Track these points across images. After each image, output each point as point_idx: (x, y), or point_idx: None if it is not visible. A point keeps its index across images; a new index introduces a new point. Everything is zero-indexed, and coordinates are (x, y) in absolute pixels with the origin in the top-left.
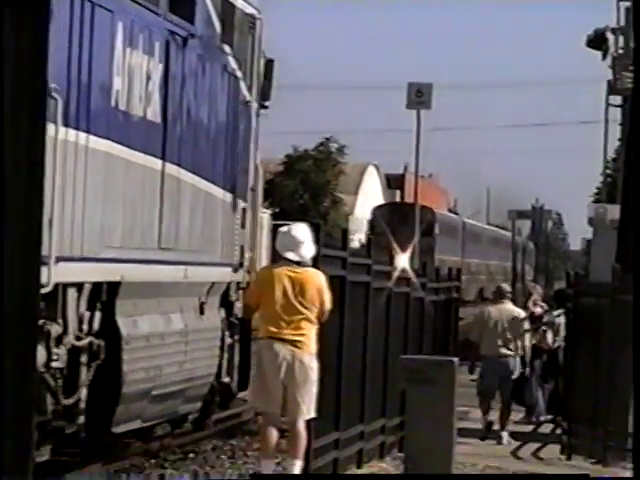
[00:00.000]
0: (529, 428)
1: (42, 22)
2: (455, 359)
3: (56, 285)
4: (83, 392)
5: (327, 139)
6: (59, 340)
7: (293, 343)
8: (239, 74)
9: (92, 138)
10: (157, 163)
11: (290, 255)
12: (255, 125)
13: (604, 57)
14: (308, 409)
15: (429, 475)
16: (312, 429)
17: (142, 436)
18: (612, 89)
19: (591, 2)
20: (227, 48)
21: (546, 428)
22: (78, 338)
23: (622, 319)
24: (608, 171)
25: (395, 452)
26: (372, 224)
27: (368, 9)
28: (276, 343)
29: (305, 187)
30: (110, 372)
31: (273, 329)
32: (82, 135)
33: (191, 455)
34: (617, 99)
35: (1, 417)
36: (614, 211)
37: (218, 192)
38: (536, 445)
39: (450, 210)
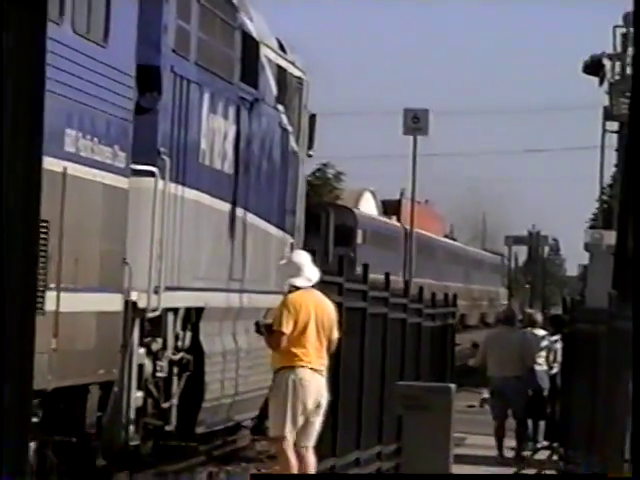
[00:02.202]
0: (526, 454)
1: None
2: (452, 385)
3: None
4: (176, 398)
5: (324, 165)
6: (161, 355)
7: (320, 372)
8: (289, 128)
9: (186, 190)
10: (229, 207)
11: (299, 282)
12: (301, 172)
13: (601, 83)
14: (317, 436)
15: (428, 475)
16: None
17: (135, 462)
18: (608, 115)
19: (588, 28)
20: (281, 107)
21: (543, 454)
22: (174, 353)
23: (619, 346)
24: (604, 197)
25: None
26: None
27: (363, 35)
28: (309, 372)
29: None
30: (195, 382)
31: (305, 357)
32: (179, 187)
33: None
34: (614, 125)
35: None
36: (610, 237)
37: (272, 230)
38: (533, 471)
39: (446, 236)
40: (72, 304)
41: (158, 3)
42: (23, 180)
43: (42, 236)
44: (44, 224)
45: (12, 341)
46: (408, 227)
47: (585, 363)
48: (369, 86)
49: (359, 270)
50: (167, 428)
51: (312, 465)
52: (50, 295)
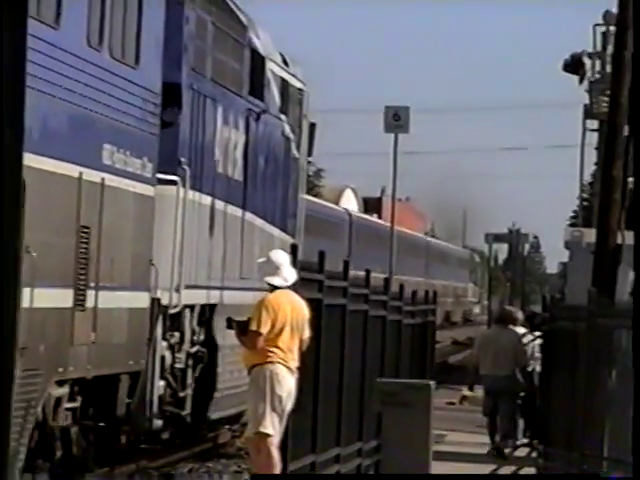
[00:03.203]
0: (506, 451)
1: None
2: (431, 382)
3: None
4: (191, 388)
5: None
6: (179, 348)
7: (292, 371)
8: (291, 136)
9: (203, 196)
10: (239, 212)
11: (276, 281)
12: (302, 177)
13: (581, 82)
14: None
15: (428, 475)
16: (288, 451)
17: (120, 457)
18: (588, 113)
19: (568, 27)
20: (283, 116)
21: (522, 451)
22: (190, 346)
23: (599, 343)
24: (584, 195)
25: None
26: None
27: (346, 34)
28: (283, 368)
29: None
30: (208, 373)
31: (284, 357)
32: (197, 194)
33: (169, 477)
34: (594, 123)
35: None
36: (590, 235)
37: (275, 231)
38: (513, 468)
39: (427, 233)
40: (108, 301)
41: (179, 26)
42: (3, 175)
43: (83, 240)
44: (85, 230)
45: None
46: (352, 212)
47: (564, 360)
48: (350, 83)
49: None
50: (183, 414)
51: (276, 458)
52: (90, 293)
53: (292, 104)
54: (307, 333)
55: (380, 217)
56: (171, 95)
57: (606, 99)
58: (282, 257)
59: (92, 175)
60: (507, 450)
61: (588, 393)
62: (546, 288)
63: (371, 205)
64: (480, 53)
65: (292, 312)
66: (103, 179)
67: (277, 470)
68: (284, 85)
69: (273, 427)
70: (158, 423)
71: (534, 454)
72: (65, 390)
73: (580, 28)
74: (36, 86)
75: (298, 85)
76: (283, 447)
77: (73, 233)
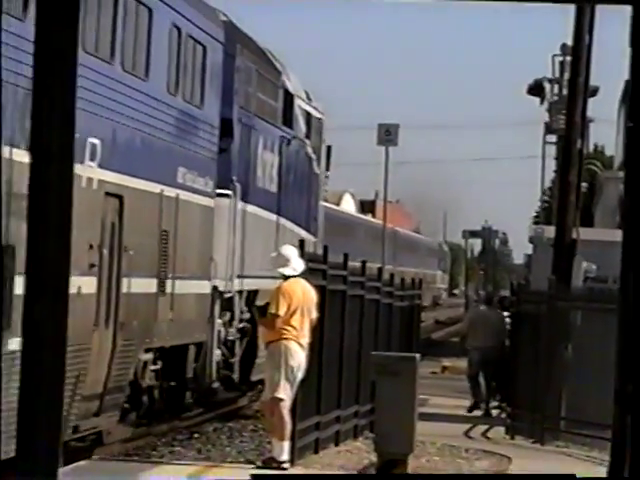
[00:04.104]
0: (479, 413)
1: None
2: (417, 355)
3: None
4: (239, 356)
5: None
6: (230, 324)
7: (303, 346)
8: (313, 156)
9: (249, 206)
10: (274, 217)
11: (287, 271)
12: (321, 188)
13: (542, 102)
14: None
15: (427, 475)
16: (297, 413)
17: (155, 418)
18: (548, 129)
19: (530, 56)
20: (307, 141)
21: (492, 412)
22: (239, 323)
23: (557, 322)
24: (545, 197)
25: (367, 433)
26: None
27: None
28: (298, 346)
29: None
30: (251, 344)
31: (297, 334)
32: (245, 205)
33: (196, 435)
34: (552, 138)
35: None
36: (550, 231)
37: (302, 232)
38: (485, 427)
39: (415, 231)
40: (181, 288)
41: (232, 73)
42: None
43: (163, 241)
44: (165, 233)
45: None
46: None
47: (529, 337)
48: (347, 102)
49: None
50: (233, 376)
51: (287, 419)
52: (168, 282)
53: (314, 131)
54: (314, 314)
55: (374, 216)
56: (225, 128)
57: (563, 117)
58: (291, 251)
59: (170, 191)
60: (481, 411)
61: (548, 363)
62: (513, 276)
63: (367, 207)
64: (457, 78)
65: (303, 296)
66: (178, 194)
67: (288, 429)
68: (308, 116)
69: (285, 393)
70: (216, 383)
71: (503, 415)
72: (150, 356)
73: (540, 57)
74: (131, 125)
75: (318, 115)
76: (293, 410)
77: (157, 236)
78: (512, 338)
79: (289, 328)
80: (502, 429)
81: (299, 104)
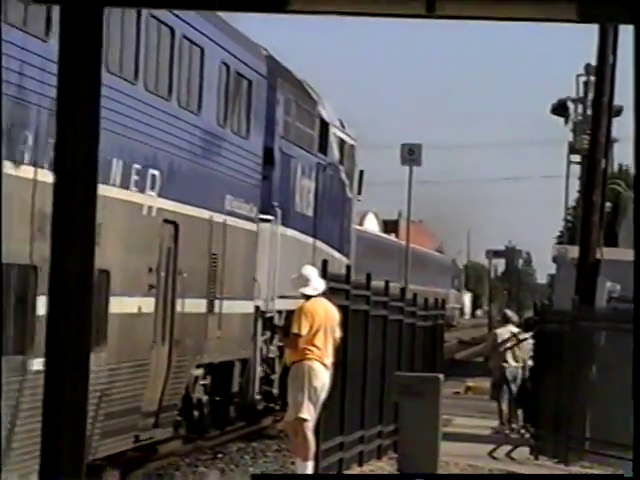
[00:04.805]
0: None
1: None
2: (440, 375)
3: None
4: (278, 372)
5: None
6: (271, 342)
7: (326, 366)
8: (346, 181)
9: (288, 230)
10: (311, 240)
11: (308, 291)
12: (354, 212)
13: (566, 122)
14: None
15: (428, 475)
16: (320, 433)
17: (179, 439)
18: (572, 149)
19: (554, 77)
20: (341, 166)
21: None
22: (278, 341)
23: (581, 342)
24: (569, 217)
25: (390, 453)
26: None
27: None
28: (322, 366)
29: None
30: None
31: (320, 354)
32: (284, 229)
33: (219, 455)
34: (576, 158)
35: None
36: (574, 251)
37: (336, 254)
38: (509, 447)
39: (438, 250)
40: (228, 308)
41: (273, 105)
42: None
43: (212, 264)
44: (214, 256)
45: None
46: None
47: (552, 357)
48: (370, 121)
49: None
50: (273, 391)
51: (311, 439)
52: (217, 302)
53: (347, 157)
54: (338, 333)
55: (397, 237)
56: (268, 156)
57: (587, 137)
58: (311, 271)
59: (218, 217)
60: (507, 431)
61: (572, 384)
62: (537, 296)
63: (390, 226)
64: (482, 98)
65: (325, 316)
66: (225, 220)
67: (312, 449)
68: (341, 143)
69: (309, 413)
70: (258, 397)
71: (527, 435)
72: (200, 371)
73: (564, 77)
74: (185, 156)
75: (351, 142)
76: (317, 430)
77: (206, 259)
78: (536, 358)
79: (312, 348)
80: (526, 449)
81: (334, 132)
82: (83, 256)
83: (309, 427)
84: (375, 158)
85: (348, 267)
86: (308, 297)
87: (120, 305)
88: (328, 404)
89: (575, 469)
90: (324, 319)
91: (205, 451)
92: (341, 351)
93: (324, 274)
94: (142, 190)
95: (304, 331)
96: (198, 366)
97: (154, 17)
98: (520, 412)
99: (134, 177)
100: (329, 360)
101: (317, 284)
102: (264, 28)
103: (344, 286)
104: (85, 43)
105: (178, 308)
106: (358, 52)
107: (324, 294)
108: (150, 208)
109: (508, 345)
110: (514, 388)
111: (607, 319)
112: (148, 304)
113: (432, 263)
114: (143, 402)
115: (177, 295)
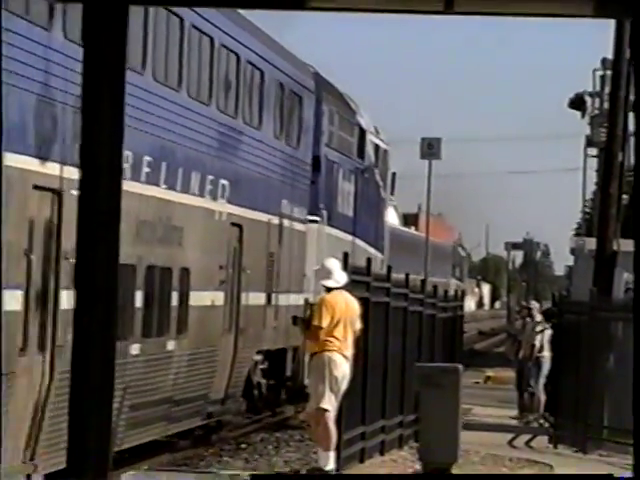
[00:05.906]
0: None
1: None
2: (460, 366)
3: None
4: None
5: None
6: None
7: (347, 357)
8: (381, 183)
9: (332, 229)
10: (350, 237)
11: (330, 283)
12: (387, 211)
13: (583, 116)
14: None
15: (427, 475)
16: (342, 423)
17: (203, 429)
18: (589, 142)
19: (571, 71)
20: (376, 170)
21: (536, 422)
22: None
23: (598, 332)
24: (586, 209)
25: (411, 442)
26: None
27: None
28: (339, 356)
29: None
30: None
31: (340, 346)
32: (329, 228)
33: (243, 445)
34: (594, 151)
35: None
36: (591, 243)
37: (372, 250)
38: (528, 436)
39: (457, 243)
40: (283, 300)
41: (319, 116)
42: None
43: (270, 262)
44: (271, 255)
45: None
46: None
47: (571, 347)
48: (390, 115)
49: None
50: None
51: (332, 429)
52: (273, 295)
53: (381, 160)
54: (358, 325)
55: (417, 230)
56: (315, 163)
57: (604, 131)
58: (333, 263)
59: (275, 219)
60: (526, 420)
61: (590, 373)
62: (555, 287)
63: (409, 220)
64: (501, 93)
65: (346, 308)
66: (281, 222)
67: (333, 439)
68: (376, 148)
69: (330, 404)
70: (307, 381)
71: (546, 424)
72: (260, 357)
73: (581, 72)
74: (249, 167)
75: (384, 147)
76: (338, 420)
77: (265, 258)
78: (554, 348)
79: (332, 340)
80: (545, 438)
81: (370, 138)
82: (108, 250)
83: (330, 417)
84: (394, 151)
85: (389, 267)
86: (330, 289)
87: (198, 298)
88: (350, 395)
89: (594, 457)
90: (345, 311)
91: (229, 441)
92: (362, 342)
93: (345, 267)
94: (215, 198)
95: (325, 323)
96: (258, 352)
97: (224, 46)
98: (543, 401)
99: (208, 187)
100: (349, 352)
101: (339, 277)
102: (277, 24)
103: (365, 278)
104: (109, 42)
105: (242, 301)
106: (377, 47)
107: (345, 287)
108: (221, 213)
109: (538, 336)
110: (542, 379)
111: (624, 310)
112: (219, 297)
113: (424, 247)
114: (214, 381)
115: (242, 289)
